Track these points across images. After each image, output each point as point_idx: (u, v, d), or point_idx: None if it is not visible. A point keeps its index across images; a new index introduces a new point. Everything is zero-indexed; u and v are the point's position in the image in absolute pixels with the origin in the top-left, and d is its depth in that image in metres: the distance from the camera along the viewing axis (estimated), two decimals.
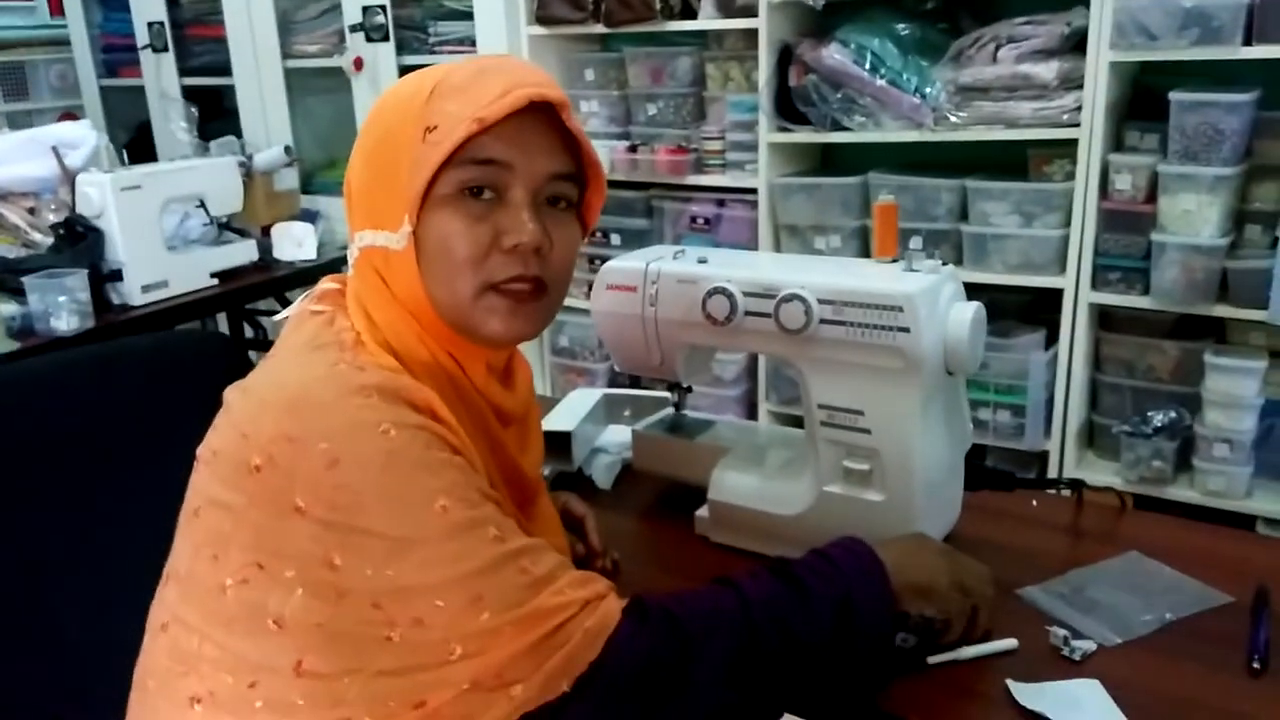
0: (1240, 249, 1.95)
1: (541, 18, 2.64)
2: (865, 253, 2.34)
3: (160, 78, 3.47)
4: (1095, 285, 2.07)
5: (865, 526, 0.93)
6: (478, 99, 0.77)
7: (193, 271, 2.35)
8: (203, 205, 2.40)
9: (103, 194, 2.15)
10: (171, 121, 3.05)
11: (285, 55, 3.19)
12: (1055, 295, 2.12)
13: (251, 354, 2.65)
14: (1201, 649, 0.89)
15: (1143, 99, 2.08)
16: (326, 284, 0.87)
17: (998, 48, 2.07)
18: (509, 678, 0.69)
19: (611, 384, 2.71)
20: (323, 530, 0.69)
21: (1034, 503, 1.17)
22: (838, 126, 2.28)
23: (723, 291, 1.01)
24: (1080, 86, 1.99)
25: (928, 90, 2.16)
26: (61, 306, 2.00)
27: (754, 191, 2.45)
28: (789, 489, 1.06)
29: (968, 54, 2.12)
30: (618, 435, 1.35)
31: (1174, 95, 1.89)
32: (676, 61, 2.57)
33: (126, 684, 0.80)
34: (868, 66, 2.20)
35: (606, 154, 2.60)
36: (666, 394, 1.24)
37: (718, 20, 2.41)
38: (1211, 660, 0.87)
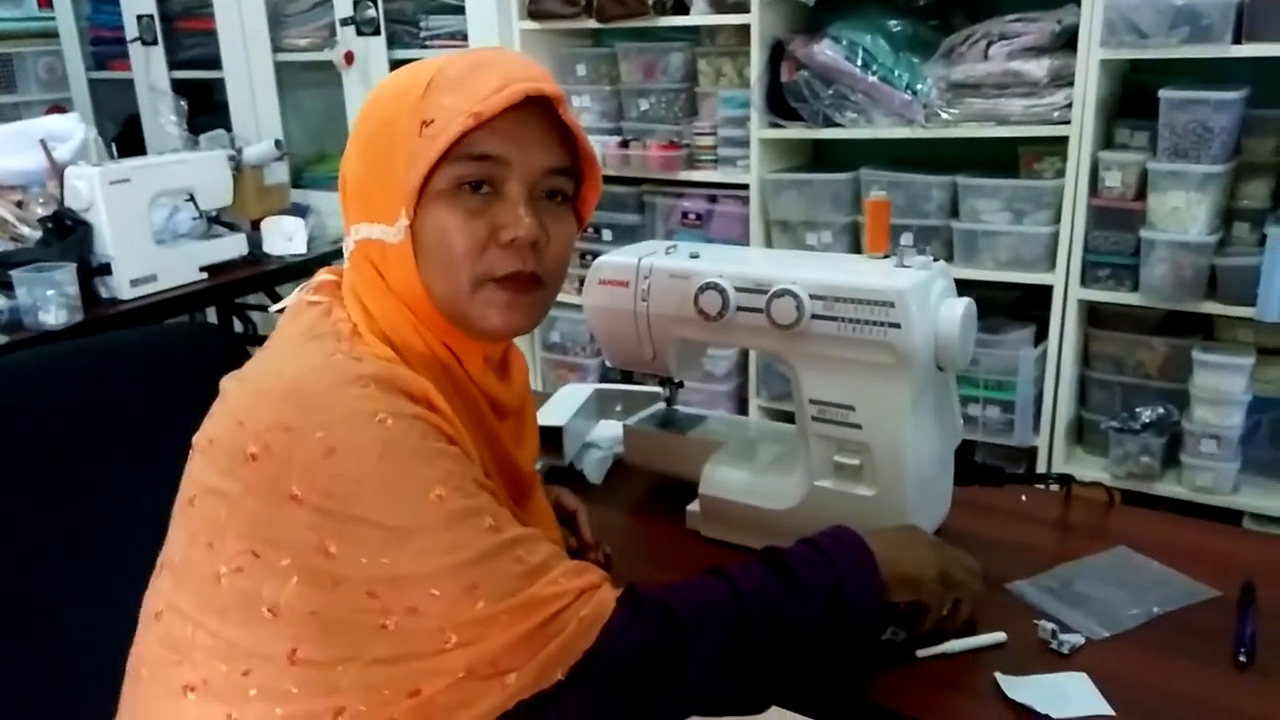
0: (1228, 246, 1.96)
1: (533, 12, 2.63)
2: (856, 249, 2.35)
3: (149, 71, 3.45)
4: (1085, 282, 2.08)
5: (856, 521, 0.93)
6: (474, 93, 0.77)
7: (182, 265, 2.35)
8: (192, 199, 2.39)
9: (91, 187, 2.14)
10: (161, 115, 3.03)
11: (275, 49, 3.17)
12: (1045, 292, 2.13)
13: (249, 348, 2.64)
14: (1188, 643, 0.90)
15: (1133, 97, 2.09)
16: (324, 275, 0.88)
17: (989, 45, 2.08)
18: (503, 666, 0.69)
19: (603, 379, 2.71)
20: (319, 518, 0.69)
21: (1023, 498, 1.18)
22: (829, 123, 2.29)
23: (715, 287, 1.01)
24: (1071, 84, 2.00)
25: (919, 87, 2.17)
26: (50, 300, 1.99)
27: (745, 187, 2.46)
28: (780, 484, 1.06)
29: (959, 51, 2.12)
30: (609, 430, 1.35)
31: (1164, 93, 1.90)
32: (668, 57, 2.56)
33: (121, 674, 0.80)
34: (859, 63, 2.20)
35: (598, 149, 2.57)
36: (658, 389, 1.24)
37: (710, 16, 2.41)
38: (1198, 654, 0.88)
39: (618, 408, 1.41)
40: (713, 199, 2.58)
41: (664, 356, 1.11)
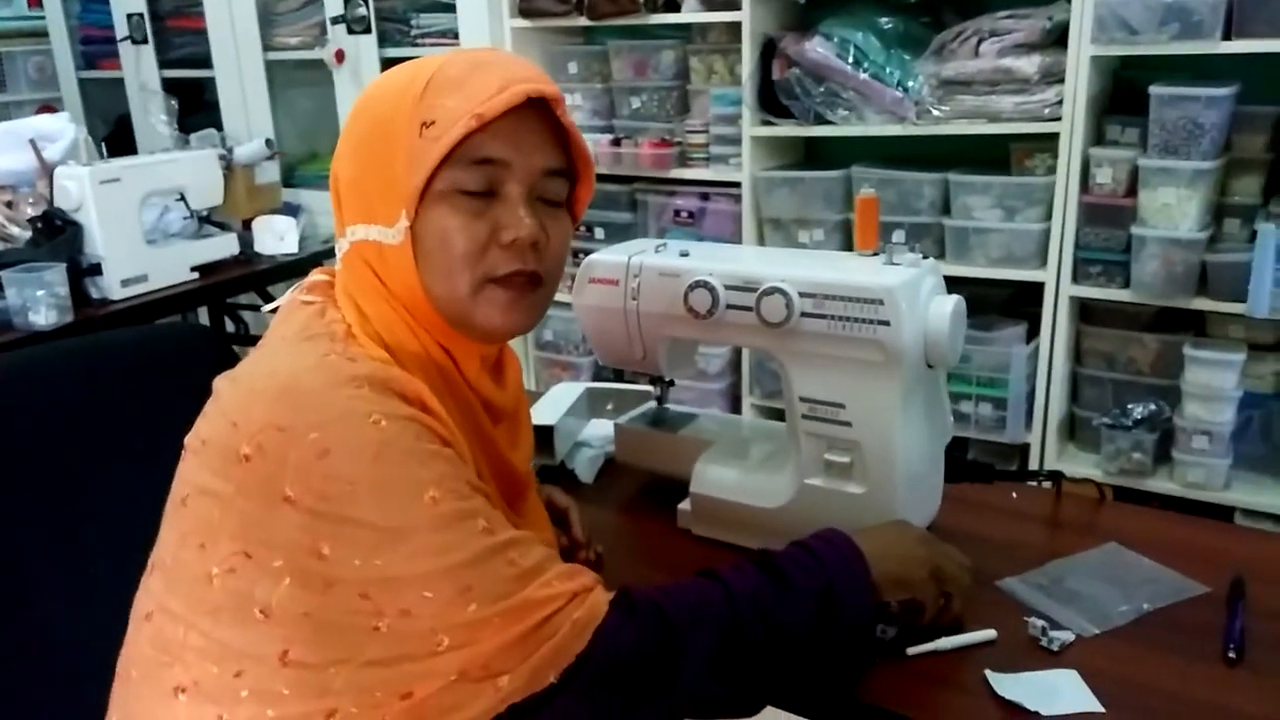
0: (1219, 242, 1.96)
1: (525, 10, 2.63)
2: (848, 246, 2.35)
3: (140, 70, 3.44)
4: (1076, 279, 2.08)
5: (846, 519, 0.93)
6: (475, 94, 0.77)
7: (173, 265, 2.34)
8: (183, 199, 2.38)
9: (81, 187, 2.12)
10: (151, 114, 3.02)
11: (266, 47, 3.16)
12: (1036, 289, 2.13)
13: (233, 348, 2.64)
14: (1178, 639, 0.90)
15: (1123, 93, 2.09)
16: (317, 275, 0.87)
17: (980, 41, 2.08)
18: (496, 669, 0.69)
19: (596, 378, 2.71)
20: (312, 520, 0.69)
21: (1014, 495, 1.18)
22: (821, 120, 2.29)
23: (704, 285, 1.01)
24: (1061, 80, 2.00)
25: (910, 84, 2.17)
26: (40, 301, 1.98)
27: (738, 185, 2.46)
28: (771, 482, 1.06)
29: (950, 48, 2.12)
30: (600, 429, 1.35)
31: (1154, 89, 1.90)
32: (660, 55, 2.56)
33: (111, 675, 0.80)
34: (850, 60, 2.20)
35: (590, 148, 2.57)
36: (650, 388, 1.24)
37: (701, 13, 2.41)
38: (1188, 650, 0.88)
39: (609, 406, 1.41)
40: (705, 197, 2.58)
41: (654, 355, 1.11)
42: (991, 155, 2.19)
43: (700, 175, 2.53)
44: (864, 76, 2.20)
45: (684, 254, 1.08)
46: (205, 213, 2.49)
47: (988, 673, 0.85)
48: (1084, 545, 1.06)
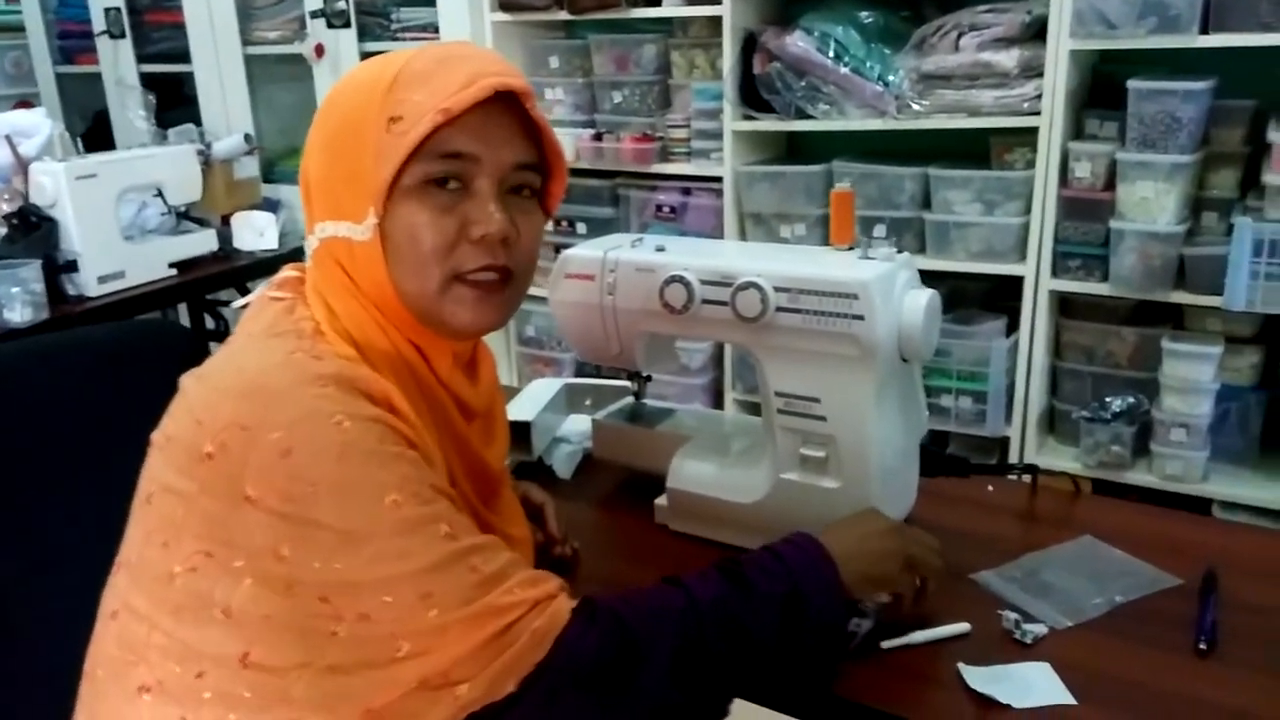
0: (1197, 236, 1.97)
1: (505, 4, 2.62)
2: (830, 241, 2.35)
3: (118, 65, 3.41)
4: (1055, 272, 2.09)
5: (822, 513, 0.93)
6: (442, 88, 0.76)
7: (151, 262, 2.32)
8: (160, 194, 2.36)
9: (57, 183, 2.11)
10: (129, 109, 2.99)
11: (245, 42, 3.14)
12: (1016, 282, 2.14)
13: (212, 345, 2.62)
14: (1150, 631, 0.90)
15: (1102, 87, 2.10)
16: (288, 271, 0.86)
17: (959, 36, 2.08)
18: (455, 677, 0.68)
19: (578, 373, 2.70)
20: (273, 520, 0.68)
21: (990, 488, 1.18)
22: (802, 115, 2.29)
23: (680, 280, 1.01)
24: (1041, 75, 2.01)
25: (890, 78, 2.17)
26: (15, 298, 1.97)
27: (719, 180, 2.45)
28: (747, 477, 1.06)
29: (930, 42, 2.12)
30: (579, 425, 1.34)
31: (1132, 83, 1.91)
32: (641, 49, 2.56)
33: (79, 674, 0.79)
34: (831, 54, 2.20)
35: (572, 142, 2.58)
36: (628, 383, 1.24)
37: (682, 7, 2.41)
38: (1159, 642, 0.89)
39: (587, 402, 1.41)
40: (687, 192, 2.57)
41: (631, 350, 1.11)
42: (971, 149, 2.19)
43: (682, 170, 2.53)
44: (845, 71, 2.20)
45: (660, 249, 1.07)
46: (183, 208, 2.48)
47: (961, 666, 0.85)
48: (1059, 538, 1.06)
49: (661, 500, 1.13)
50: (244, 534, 0.68)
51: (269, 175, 3.09)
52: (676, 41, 2.52)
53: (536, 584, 0.73)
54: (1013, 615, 0.91)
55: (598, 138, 2.59)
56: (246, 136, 2.78)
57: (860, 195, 2.24)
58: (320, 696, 0.68)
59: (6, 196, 2.25)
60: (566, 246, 1.13)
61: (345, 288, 0.81)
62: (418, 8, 2.80)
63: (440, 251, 0.78)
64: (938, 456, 1.12)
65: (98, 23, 3.40)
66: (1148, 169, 1.91)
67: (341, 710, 0.68)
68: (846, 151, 2.36)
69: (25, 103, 3.50)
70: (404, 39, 2.82)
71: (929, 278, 1.01)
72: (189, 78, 3.27)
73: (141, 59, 3.39)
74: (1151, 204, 1.93)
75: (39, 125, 2.39)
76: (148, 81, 3.33)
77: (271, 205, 2.81)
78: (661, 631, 0.74)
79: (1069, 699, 0.82)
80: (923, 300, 0.95)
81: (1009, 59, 2.03)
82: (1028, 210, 2.10)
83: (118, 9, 3.34)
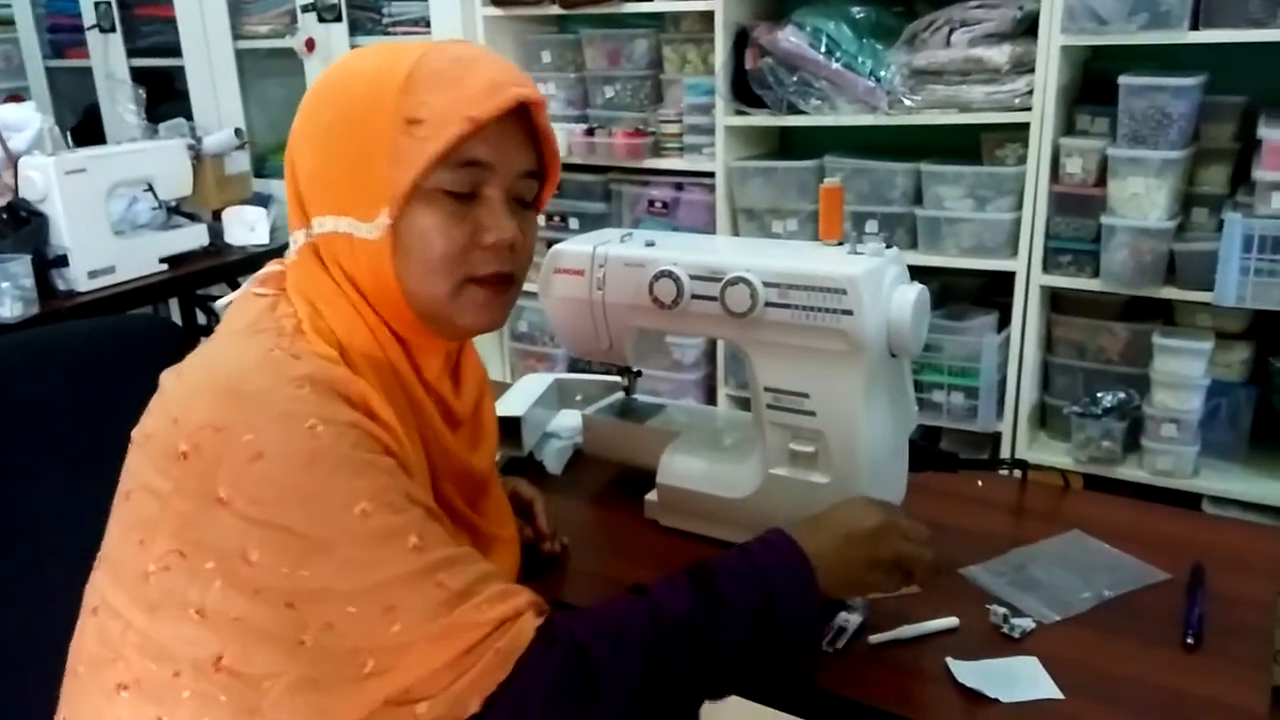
0: (1187, 231, 1.97)
1: None
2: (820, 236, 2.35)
3: (108, 59, 3.40)
4: (1046, 268, 2.09)
5: (811, 508, 0.93)
6: (466, 95, 0.77)
7: (141, 257, 2.31)
8: (151, 189, 2.35)
9: (46, 177, 2.10)
10: (119, 104, 2.99)
11: (236, 36, 3.13)
12: (1007, 278, 2.14)
13: (203, 340, 2.61)
14: (1138, 625, 0.91)
15: (1093, 83, 2.10)
16: (273, 267, 0.86)
17: (951, 31, 2.08)
18: (416, 695, 0.67)
19: (571, 369, 2.70)
20: (242, 523, 0.68)
21: (979, 483, 1.18)
22: (794, 110, 2.28)
23: (669, 275, 1.01)
24: (1032, 70, 2.01)
25: (882, 74, 2.17)
26: (4, 293, 1.96)
27: (711, 175, 2.45)
28: (736, 472, 1.06)
29: (921, 37, 2.12)
30: (569, 420, 1.34)
31: (1123, 79, 1.91)
32: (634, 44, 2.55)
33: (63, 670, 0.79)
34: (823, 50, 2.20)
35: (564, 137, 2.58)
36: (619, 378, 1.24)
37: (674, 2, 2.40)
38: (1147, 636, 0.89)
39: (578, 397, 1.41)
40: (679, 187, 2.57)
41: (621, 345, 1.11)
42: (963, 145, 2.19)
43: (674, 165, 2.52)
44: (836, 66, 2.19)
45: (650, 244, 1.07)
46: (174, 203, 2.46)
47: (949, 660, 0.86)
48: (1048, 533, 1.06)
49: (651, 496, 1.13)
50: (215, 535, 0.68)
51: (260, 170, 3.08)
52: (668, 36, 2.52)
53: (505, 599, 0.72)
54: (1001, 610, 0.91)
55: (590, 133, 2.59)
56: (237, 131, 2.77)
57: (852, 191, 2.24)
58: (291, 710, 0.67)
59: None
60: (558, 242, 1.12)
61: (332, 286, 0.80)
62: (409, 1, 2.80)
63: (454, 257, 0.79)
64: (927, 451, 1.13)
65: (88, 17, 3.39)
66: (1138, 165, 1.92)
67: None
68: (838, 147, 2.35)
69: (15, 97, 3.48)
70: (395, 33, 2.81)
71: (920, 273, 1.01)
72: (179, 72, 3.26)
73: (132, 53, 3.38)
74: (1142, 200, 1.93)
75: (29, 120, 2.38)
76: (138, 76, 3.31)
77: (262, 200, 2.80)
78: (625, 652, 0.72)
79: (1057, 693, 0.82)
80: (911, 295, 0.95)
81: (1000, 55, 2.02)
82: (1019, 206, 2.10)
83: (108, 3, 3.33)
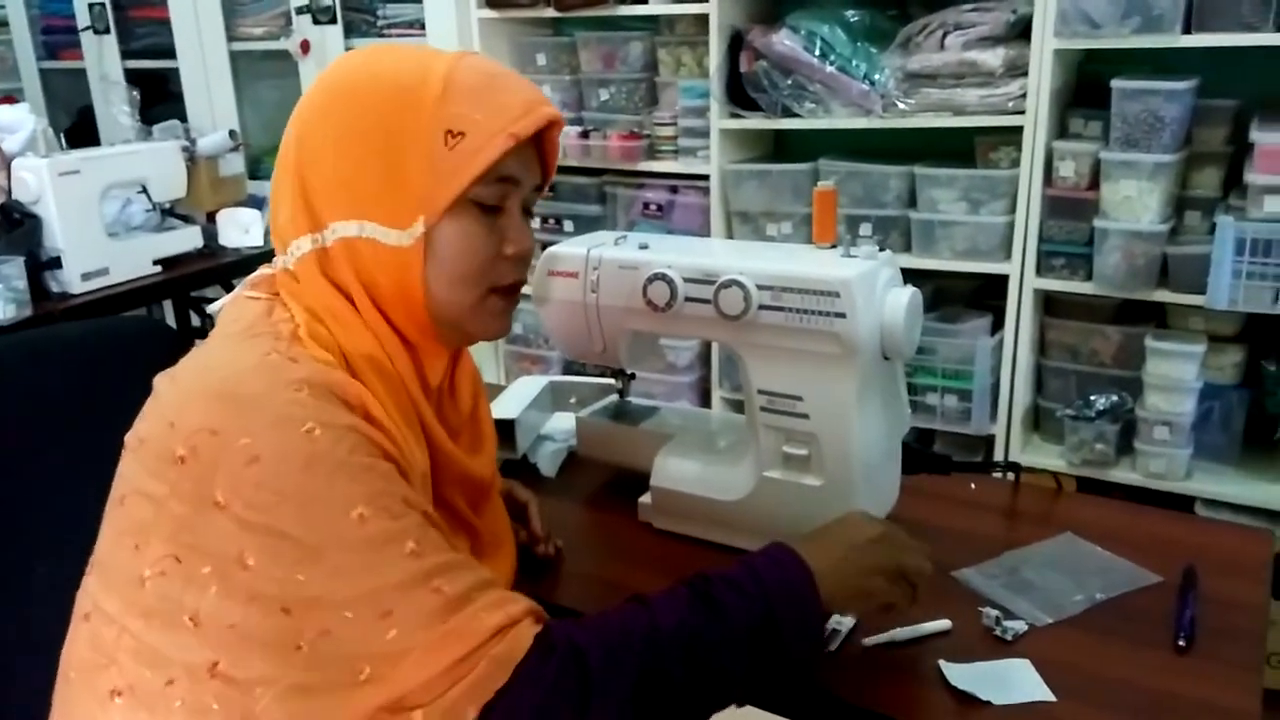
0: (1180, 235, 1.98)
1: (492, 1, 2.61)
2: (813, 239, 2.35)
3: (102, 60, 3.39)
4: (1040, 271, 2.10)
5: (805, 511, 0.93)
6: (504, 111, 0.79)
7: (135, 259, 2.30)
8: (145, 191, 2.35)
9: (40, 179, 2.09)
10: (113, 105, 2.98)
11: (230, 37, 3.13)
12: (1001, 281, 2.15)
13: (197, 342, 2.60)
14: (1130, 627, 0.91)
15: (1086, 87, 2.11)
16: (266, 270, 0.86)
17: (945, 35, 2.09)
18: (411, 702, 0.67)
19: (566, 371, 2.70)
20: (238, 528, 0.67)
21: (972, 486, 1.19)
22: (788, 113, 2.29)
23: (663, 277, 1.01)
24: (1025, 74, 2.01)
25: (876, 77, 2.17)
26: None
27: (706, 178, 2.45)
28: (730, 475, 1.06)
29: (915, 41, 2.13)
30: (563, 423, 1.34)
31: (1115, 83, 1.91)
32: (628, 46, 2.55)
33: (54, 676, 0.78)
34: (817, 53, 2.21)
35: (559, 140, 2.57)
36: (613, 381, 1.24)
37: (669, 5, 2.40)
38: (1139, 638, 0.89)
39: (572, 400, 1.41)
40: (674, 189, 2.57)
41: (614, 348, 1.11)
42: (956, 148, 2.20)
43: (669, 168, 2.53)
44: (831, 69, 2.20)
45: (643, 246, 1.07)
46: (168, 205, 2.46)
47: (942, 663, 0.86)
48: (1040, 536, 1.07)
49: (645, 498, 1.13)
50: (211, 540, 0.68)
51: (254, 172, 3.07)
52: (663, 39, 2.52)
53: (503, 606, 0.71)
54: (993, 612, 0.91)
55: (585, 135, 2.59)
56: (231, 133, 2.76)
57: (846, 194, 2.24)
58: (283, 718, 0.67)
59: None
60: (553, 244, 1.13)
61: (335, 293, 0.80)
62: (404, 4, 2.80)
63: (483, 268, 0.82)
64: (920, 454, 1.13)
65: (82, 18, 3.38)
66: (1131, 168, 1.92)
67: None
68: (832, 150, 2.36)
69: (9, 98, 3.46)
70: (390, 35, 2.82)
71: (914, 276, 1.02)
72: (174, 74, 3.26)
73: (126, 55, 3.38)
74: (1135, 203, 1.94)
75: (22, 121, 2.37)
76: (132, 77, 3.31)
77: (257, 202, 2.79)
78: (621, 663, 0.71)
79: (1049, 696, 0.82)
80: (904, 298, 0.96)
81: (994, 58, 2.03)
82: (1012, 209, 2.10)
83: (102, 4, 3.32)
